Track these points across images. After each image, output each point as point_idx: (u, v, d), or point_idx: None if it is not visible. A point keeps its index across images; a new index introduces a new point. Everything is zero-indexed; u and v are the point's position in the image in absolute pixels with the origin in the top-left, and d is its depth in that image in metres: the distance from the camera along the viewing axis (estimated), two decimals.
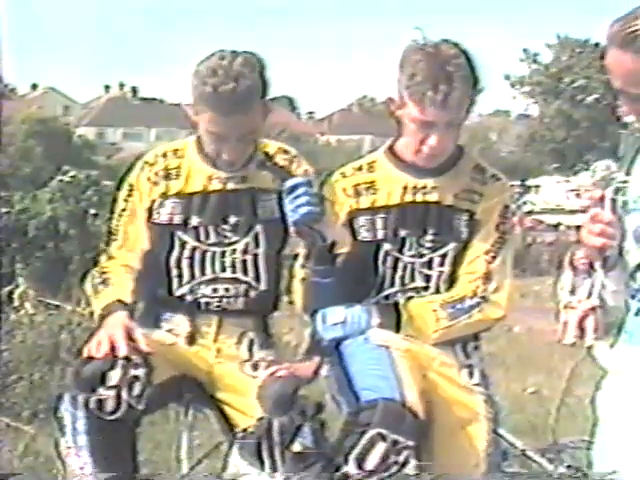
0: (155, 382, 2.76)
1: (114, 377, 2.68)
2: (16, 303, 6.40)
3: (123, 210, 2.99)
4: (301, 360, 2.96)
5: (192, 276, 2.95)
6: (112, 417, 2.69)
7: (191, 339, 2.95)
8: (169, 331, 2.95)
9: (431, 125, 2.76)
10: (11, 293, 6.44)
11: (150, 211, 2.97)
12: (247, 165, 2.96)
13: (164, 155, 3.01)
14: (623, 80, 2.19)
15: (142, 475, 2.91)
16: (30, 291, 6.19)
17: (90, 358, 2.73)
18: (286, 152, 3.03)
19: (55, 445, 2.80)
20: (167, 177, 2.97)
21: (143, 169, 3.00)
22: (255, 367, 2.93)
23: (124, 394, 2.69)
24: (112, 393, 2.68)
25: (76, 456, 2.73)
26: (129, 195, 2.99)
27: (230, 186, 2.95)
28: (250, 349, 2.97)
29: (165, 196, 2.96)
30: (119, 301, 2.84)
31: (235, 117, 2.81)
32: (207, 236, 2.95)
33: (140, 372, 2.71)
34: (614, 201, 2.21)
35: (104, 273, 2.95)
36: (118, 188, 3.03)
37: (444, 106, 2.72)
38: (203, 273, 2.95)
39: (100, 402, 2.69)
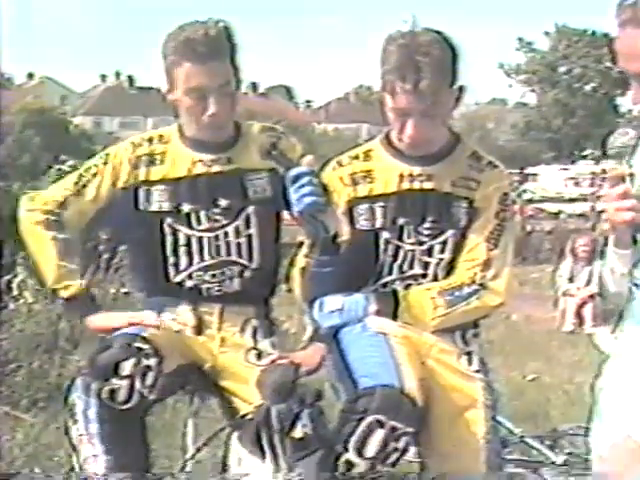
0: (165, 371, 2.76)
1: (127, 367, 2.69)
2: (15, 292, 6.39)
3: (94, 175, 2.98)
4: (304, 348, 2.97)
5: (190, 263, 2.95)
6: (124, 407, 2.70)
7: (198, 330, 2.95)
8: (173, 320, 2.94)
9: (405, 114, 2.75)
10: (10, 282, 6.42)
11: (136, 199, 2.96)
12: (232, 146, 2.97)
13: (150, 140, 3.01)
14: None
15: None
16: (29, 280, 6.17)
17: (107, 347, 2.75)
18: (272, 130, 3.05)
19: (66, 432, 2.79)
20: (151, 162, 2.97)
21: (127, 148, 3.00)
22: (259, 356, 2.93)
23: (137, 384, 2.70)
24: (125, 383, 2.69)
25: (89, 444, 2.72)
26: (104, 163, 2.99)
27: (216, 168, 2.95)
28: (254, 337, 2.97)
29: (150, 183, 2.96)
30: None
31: (211, 64, 2.85)
32: (199, 222, 2.95)
33: (152, 362, 2.72)
34: (632, 176, 2.15)
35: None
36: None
37: (414, 95, 2.70)
38: (201, 259, 2.95)
39: (112, 392, 2.69)
